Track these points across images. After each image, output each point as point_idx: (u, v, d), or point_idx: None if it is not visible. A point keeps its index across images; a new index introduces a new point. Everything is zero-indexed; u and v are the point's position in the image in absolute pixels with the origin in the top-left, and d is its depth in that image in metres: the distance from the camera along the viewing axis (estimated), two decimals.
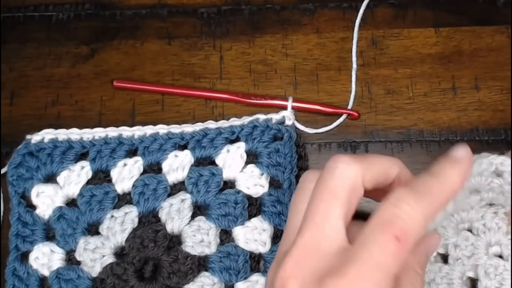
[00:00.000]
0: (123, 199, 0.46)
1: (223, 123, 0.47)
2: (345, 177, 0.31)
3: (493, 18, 0.50)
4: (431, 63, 0.49)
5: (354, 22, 0.50)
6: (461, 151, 0.33)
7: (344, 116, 0.48)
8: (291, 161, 0.45)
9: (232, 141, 0.46)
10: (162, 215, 0.45)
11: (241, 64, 0.50)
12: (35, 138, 0.47)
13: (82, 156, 0.47)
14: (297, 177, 0.45)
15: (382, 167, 0.32)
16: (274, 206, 0.44)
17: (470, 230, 0.43)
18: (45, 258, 0.45)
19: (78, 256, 0.45)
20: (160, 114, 0.49)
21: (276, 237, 0.44)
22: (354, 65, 0.49)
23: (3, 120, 0.49)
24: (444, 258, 0.42)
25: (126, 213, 0.45)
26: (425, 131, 0.48)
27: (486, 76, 0.49)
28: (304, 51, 0.50)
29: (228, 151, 0.46)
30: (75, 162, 0.47)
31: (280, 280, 0.29)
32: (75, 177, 0.46)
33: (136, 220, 0.45)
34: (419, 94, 0.49)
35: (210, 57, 0.51)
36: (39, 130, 0.48)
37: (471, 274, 0.42)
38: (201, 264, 0.44)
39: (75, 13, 0.52)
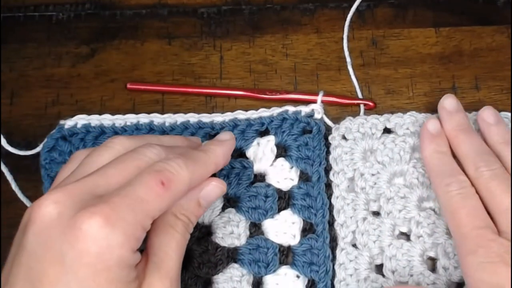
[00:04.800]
0: None
1: (252, 114, 0.47)
2: None
3: (493, 18, 0.50)
4: (431, 63, 0.49)
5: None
6: (226, 135, 0.40)
7: (362, 107, 0.48)
8: (320, 154, 0.45)
9: (261, 133, 0.46)
10: None
11: (241, 64, 0.50)
12: (68, 123, 0.47)
13: None
14: (326, 170, 0.45)
15: None
16: (304, 199, 0.44)
17: (433, 210, 0.43)
18: None
19: None
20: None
21: (305, 230, 0.44)
22: (348, 59, 0.49)
23: (3, 120, 0.49)
24: (407, 236, 0.43)
25: None
26: None
27: (486, 76, 0.49)
28: (304, 51, 0.50)
29: (258, 144, 0.46)
30: None
31: (40, 201, 0.31)
32: None
33: None
34: (419, 94, 0.49)
35: (210, 57, 0.51)
36: (39, 130, 0.48)
37: (431, 253, 0.42)
38: (230, 255, 0.44)
39: (75, 13, 0.52)
